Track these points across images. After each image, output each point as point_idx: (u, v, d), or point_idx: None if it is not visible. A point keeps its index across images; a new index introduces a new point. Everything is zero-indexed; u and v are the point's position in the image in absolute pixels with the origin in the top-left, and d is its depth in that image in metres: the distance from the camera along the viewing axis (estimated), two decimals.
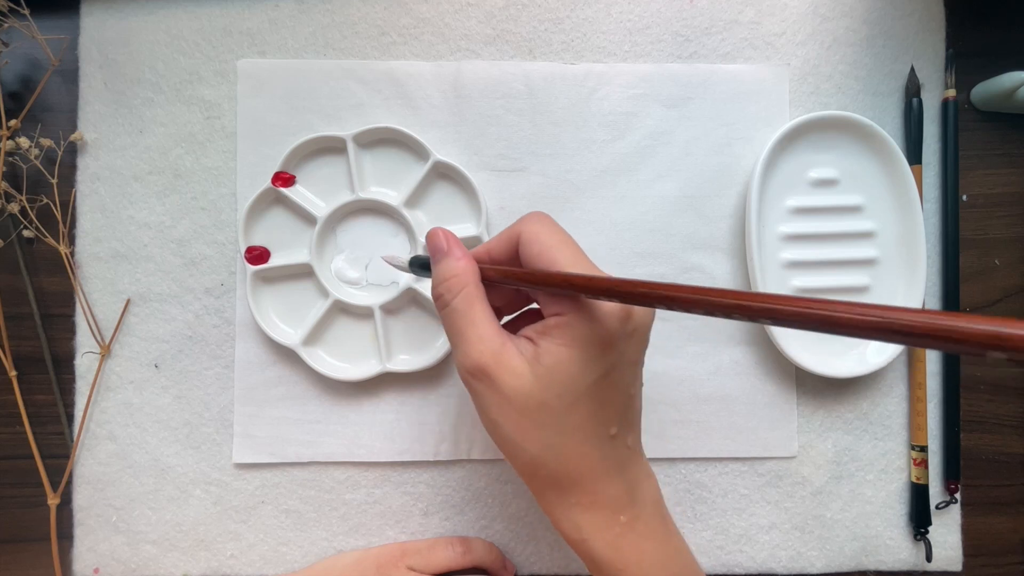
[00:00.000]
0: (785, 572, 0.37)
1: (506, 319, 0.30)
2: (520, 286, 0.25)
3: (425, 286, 0.35)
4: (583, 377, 0.24)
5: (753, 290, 0.34)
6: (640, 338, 0.25)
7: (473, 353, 0.24)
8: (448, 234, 0.27)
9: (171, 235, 0.36)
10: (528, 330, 0.25)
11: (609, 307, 0.24)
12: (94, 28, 0.37)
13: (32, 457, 0.36)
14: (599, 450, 0.25)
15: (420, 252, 0.35)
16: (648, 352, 0.27)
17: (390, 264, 0.32)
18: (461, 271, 0.26)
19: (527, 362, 0.24)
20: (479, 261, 0.27)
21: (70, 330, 0.36)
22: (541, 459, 0.24)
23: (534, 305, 0.30)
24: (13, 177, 0.36)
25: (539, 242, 0.25)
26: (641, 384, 0.27)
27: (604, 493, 0.25)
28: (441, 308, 0.26)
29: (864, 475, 0.37)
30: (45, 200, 0.36)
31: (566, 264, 0.24)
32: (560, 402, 0.24)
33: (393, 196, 0.36)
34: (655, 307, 0.20)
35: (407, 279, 0.35)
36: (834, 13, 0.37)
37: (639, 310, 0.25)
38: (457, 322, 0.25)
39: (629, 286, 0.20)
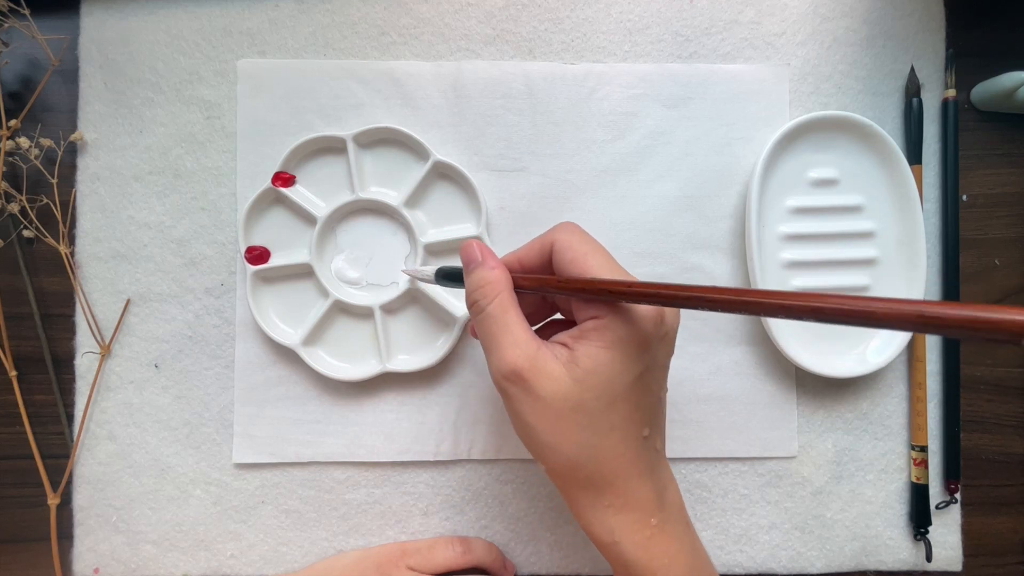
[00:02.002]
0: (785, 572, 0.37)
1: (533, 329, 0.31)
2: (554, 293, 0.26)
3: (426, 285, 0.35)
4: (621, 378, 0.24)
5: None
6: (670, 341, 0.26)
7: (508, 357, 0.25)
8: (482, 245, 0.28)
9: (171, 235, 0.36)
10: (562, 336, 0.26)
11: (644, 311, 0.25)
12: (94, 28, 0.37)
13: (32, 457, 0.36)
14: (634, 451, 0.25)
15: (420, 253, 0.35)
16: None
17: (413, 276, 0.32)
18: (495, 279, 0.26)
19: (563, 365, 0.24)
20: (510, 270, 0.27)
21: (70, 330, 0.36)
22: (578, 461, 0.25)
23: (558, 315, 0.30)
24: (13, 177, 0.36)
25: (572, 250, 0.26)
26: (666, 389, 0.27)
27: (636, 494, 0.25)
28: (476, 314, 0.27)
29: (864, 475, 0.37)
30: (45, 200, 0.36)
31: (600, 270, 0.25)
32: (598, 403, 0.24)
33: (393, 196, 0.36)
34: (699, 309, 0.21)
35: (407, 279, 0.35)
36: (834, 13, 0.37)
37: (670, 315, 0.26)
38: (491, 327, 0.25)
39: (672, 289, 0.21)
